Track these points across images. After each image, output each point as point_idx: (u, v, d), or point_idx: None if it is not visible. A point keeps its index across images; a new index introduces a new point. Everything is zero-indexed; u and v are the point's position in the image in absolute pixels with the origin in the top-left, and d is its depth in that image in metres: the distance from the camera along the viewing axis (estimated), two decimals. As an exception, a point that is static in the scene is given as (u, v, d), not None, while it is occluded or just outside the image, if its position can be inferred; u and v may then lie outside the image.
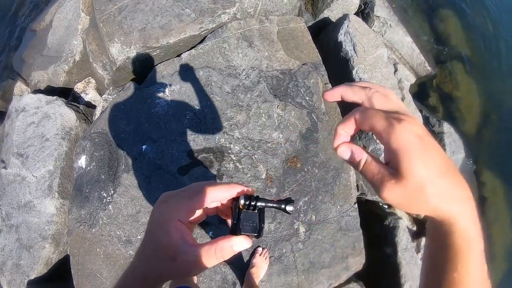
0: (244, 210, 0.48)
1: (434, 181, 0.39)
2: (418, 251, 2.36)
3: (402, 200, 0.40)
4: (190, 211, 0.48)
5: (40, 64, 2.66)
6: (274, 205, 0.50)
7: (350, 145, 0.46)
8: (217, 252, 0.46)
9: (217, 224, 1.81)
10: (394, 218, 2.26)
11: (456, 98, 3.22)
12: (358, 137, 2.25)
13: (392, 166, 0.41)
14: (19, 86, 2.87)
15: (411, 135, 0.40)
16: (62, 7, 2.77)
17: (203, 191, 0.48)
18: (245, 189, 0.50)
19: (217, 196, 0.48)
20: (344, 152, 0.46)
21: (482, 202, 2.84)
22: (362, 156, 0.45)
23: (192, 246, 0.46)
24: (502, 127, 3.10)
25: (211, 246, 0.46)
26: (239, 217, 0.48)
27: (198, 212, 0.49)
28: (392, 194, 0.40)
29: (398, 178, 0.40)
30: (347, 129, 0.46)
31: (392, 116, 0.42)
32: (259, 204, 0.48)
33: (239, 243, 0.46)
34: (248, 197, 0.48)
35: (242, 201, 0.47)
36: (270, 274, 1.78)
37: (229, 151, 1.91)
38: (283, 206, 0.50)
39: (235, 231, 0.47)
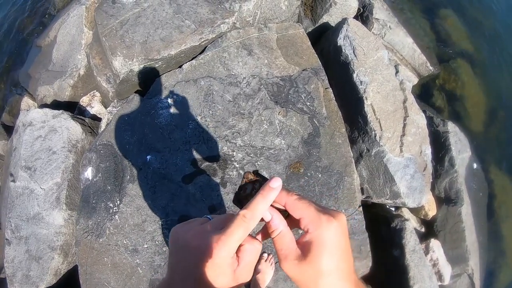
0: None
1: (327, 278, 0.45)
2: (426, 252, 2.34)
3: (296, 277, 0.47)
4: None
5: (46, 79, 2.72)
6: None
7: (274, 211, 0.51)
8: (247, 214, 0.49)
9: None
10: (401, 220, 2.24)
11: (460, 97, 3.21)
12: (361, 140, 2.25)
13: (303, 247, 0.47)
14: (26, 101, 2.94)
15: (333, 236, 0.46)
16: (65, 23, 2.83)
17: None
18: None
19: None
20: (267, 214, 0.51)
21: (491, 200, 2.81)
22: (279, 226, 0.50)
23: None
24: (509, 124, 3.07)
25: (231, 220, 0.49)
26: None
27: None
28: (291, 270, 0.47)
29: (301, 261, 0.46)
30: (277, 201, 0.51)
31: (322, 212, 0.47)
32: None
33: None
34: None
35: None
36: (276, 280, 1.78)
37: (232, 159, 1.93)
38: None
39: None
